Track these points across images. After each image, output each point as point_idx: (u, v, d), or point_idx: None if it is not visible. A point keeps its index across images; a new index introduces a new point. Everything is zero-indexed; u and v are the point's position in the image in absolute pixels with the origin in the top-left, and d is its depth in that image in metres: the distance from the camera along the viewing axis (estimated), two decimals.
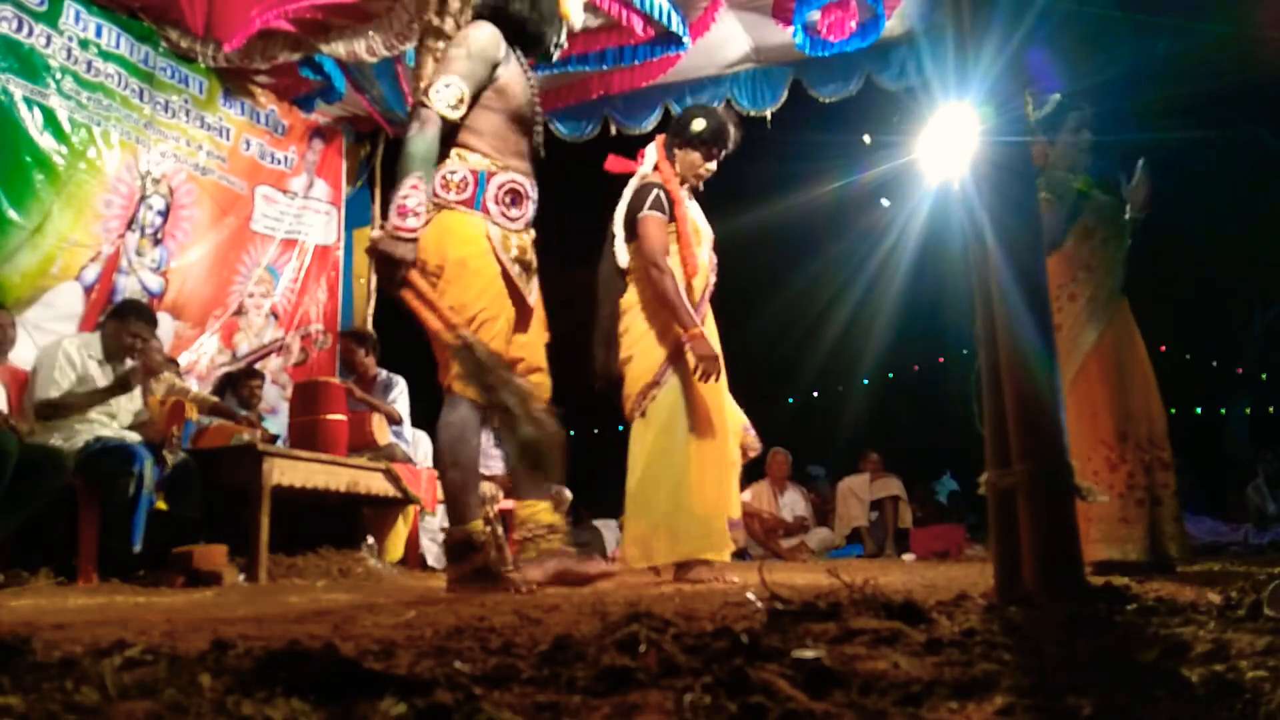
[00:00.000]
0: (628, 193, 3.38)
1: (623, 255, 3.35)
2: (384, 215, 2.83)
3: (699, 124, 3.38)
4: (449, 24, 4.18)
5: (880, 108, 5.76)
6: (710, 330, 3.34)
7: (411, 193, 2.57)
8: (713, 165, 3.43)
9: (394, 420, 5.32)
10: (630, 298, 3.34)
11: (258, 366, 5.85)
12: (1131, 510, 3.15)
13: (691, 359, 3.17)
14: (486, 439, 6.14)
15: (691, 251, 3.26)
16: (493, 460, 6.06)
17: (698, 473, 3.15)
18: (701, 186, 3.51)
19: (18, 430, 3.49)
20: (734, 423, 3.47)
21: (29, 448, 3.43)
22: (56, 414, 3.68)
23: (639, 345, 3.26)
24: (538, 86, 2.92)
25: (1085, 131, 3.49)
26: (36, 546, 3.61)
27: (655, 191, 3.30)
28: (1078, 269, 3.35)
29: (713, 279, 3.46)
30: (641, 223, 3.26)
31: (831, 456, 9.65)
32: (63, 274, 4.77)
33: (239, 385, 5.33)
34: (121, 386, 3.86)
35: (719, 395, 3.27)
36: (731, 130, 3.44)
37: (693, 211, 3.40)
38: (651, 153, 3.44)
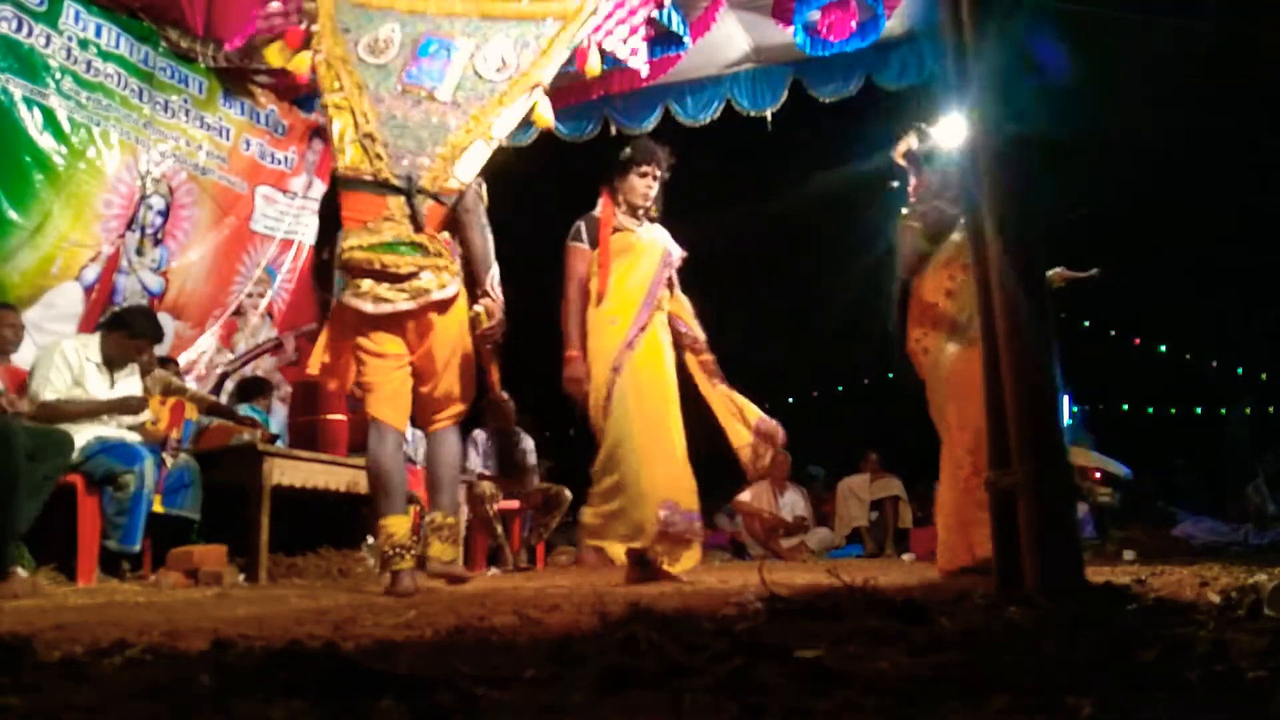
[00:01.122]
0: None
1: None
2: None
3: (624, 152, 3.61)
4: None
5: (880, 108, 5.76)
6: (653, 339, 3.53)
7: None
8: (651, 182, 3.58)
9: None
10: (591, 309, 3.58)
11: (250, 367, 5.85)
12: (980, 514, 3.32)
13: (655, 337, 3.49)
14: (486, 440, 6.15)
15: (606, 275, 3.49)
16: (493, 460, 6.07)
17: (646, 470, 3.34)
18: (655, 211, 3.69)
19: (20, 413, 3.48)
20: (747, 416, 3.68)
21: (33, 431, 3.42)
22: (54, 418, 3.67)
23: (594, 365, 3.47)
24: None
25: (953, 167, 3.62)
26: (36, 546, 3.61)
27: (579, 225, 3.57)
28: (940, 294, 3.49)
29: (662, 293, 3.62)
30: (565, 252, 3.58)
31: (831, 457, 9.65)
32: (63, 274, 4.77)
33: (247, 396, 5.30)
34: (122, 407, 3.84)
35: (658, 400, 3.47)
36: (655, 146, 3.63)
37: (642, 236, 3.59)
38: (602, 200, 3.65)
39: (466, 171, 3.07)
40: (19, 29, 4.62)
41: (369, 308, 2.92)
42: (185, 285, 5.53)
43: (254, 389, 5.39)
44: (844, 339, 11.06)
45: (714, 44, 5.53)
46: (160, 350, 4.84)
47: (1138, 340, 12.31)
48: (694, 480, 3.49)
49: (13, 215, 4.53)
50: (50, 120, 4.74)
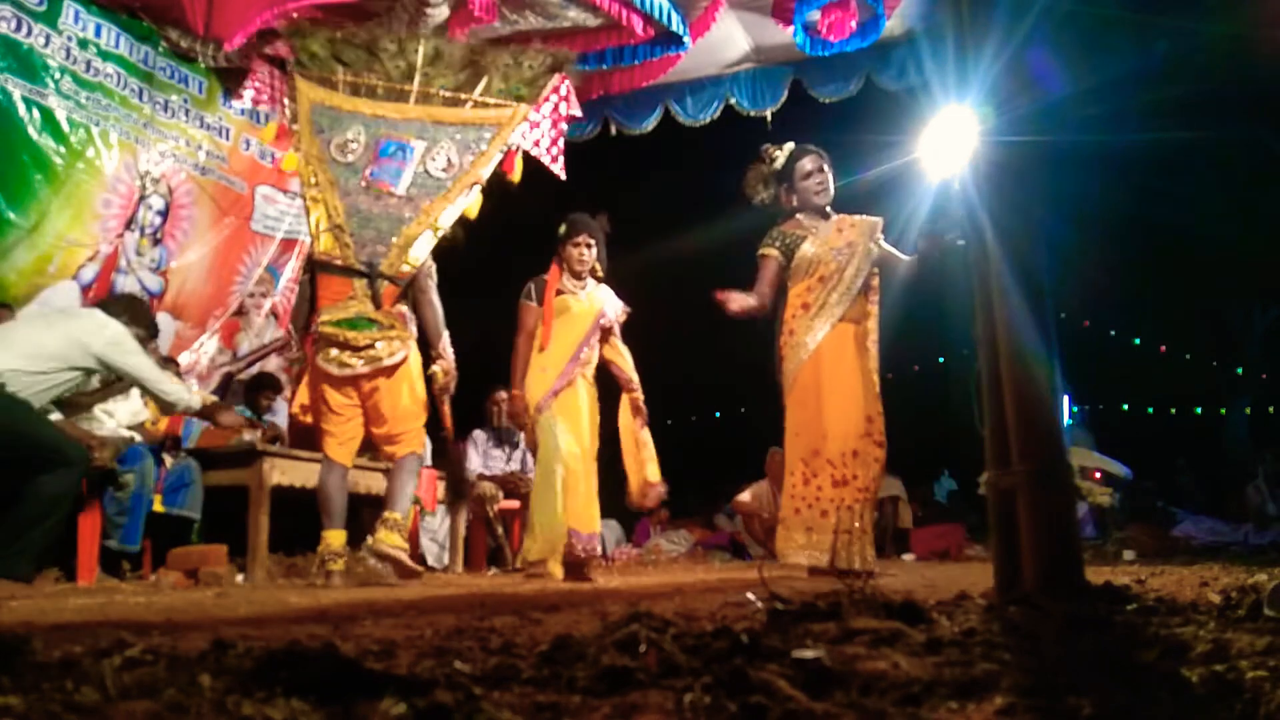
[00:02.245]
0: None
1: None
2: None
3: (561, 228, 4.20)
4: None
5: (880, 108, 5.76)
6: (573, 391, 4.10)
7: None
8: (585, 252, 4.16)
9: None
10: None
11: (258, 366, 5.85)
12: (816, 520, 3.51)
13: (576, 391, 4.10)
14: (487, 441, 6.15)
15: (548, 329, 4.09)
16: (493, 460, 6.07)
17: (551, 492, 3.91)
18: (600, 270, 4.27)
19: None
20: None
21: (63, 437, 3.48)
22: (60, 410, 3.69)
23: (530, 384, 4.09)
24: None
25: (819, 174, 3.78)
26: None
27: (530, 286, 4.17)
28: (798, 307, 3.70)
29: (588, 351, 4.17)
30: (518, 308, 4.17)
31: None
32: (60, 273, 4.77)
33: (254, 394, 5.31)
34: (114, 384, 3.86)
35: (573, 440, 4.04)
36: (587, 220, 4.22)
37: (581, 299, 4.17)
38: (553, 265, 4.23)
39: (417, 256, 3.69)
40: (18, 29, 4.62)
41: (334, 370, 3.57)
42: (185, 285, 5.53)
43: (260, 386, 5.40)
44: None
45: (714, 44, 5.53)
46: (160, 350, 4.84)
47: (1138, 340, 12.32)
48: (596, 507, 4.16)
49: (9, 214, 4.53)
50: (49, 120, 4.74)
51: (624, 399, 4.35)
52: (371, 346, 3.57)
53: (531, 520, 3.94)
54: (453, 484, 5.52)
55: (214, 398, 4.93)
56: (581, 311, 4.16)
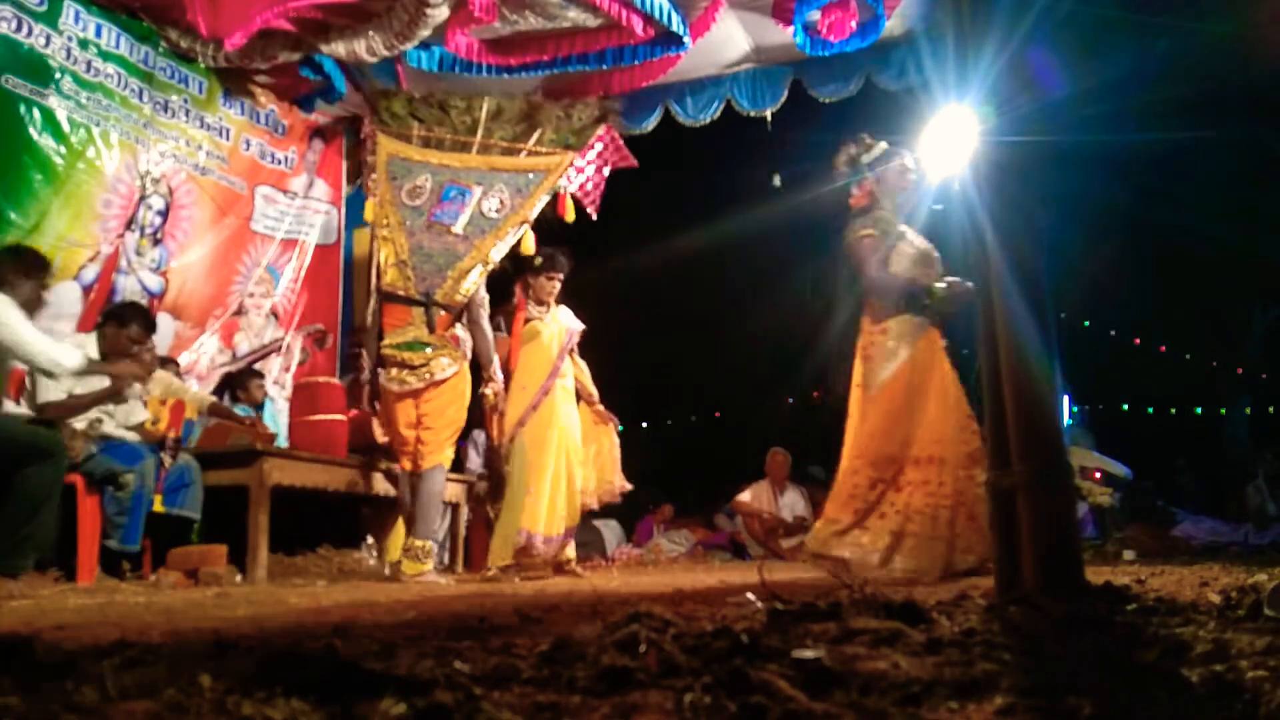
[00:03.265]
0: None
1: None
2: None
3: (537, 260, 4.55)
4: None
5: (880, 108, 5.75)
6: (552, 402, 4.53)
7: None
8: (556, 285, 4.65)
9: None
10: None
11: (257, 367, 5.84)
12: (876, 522, 3.46)
13: (553, 402, 4.56)
14: (486, 440, 6.15)
15: (516, 354, 4.55)
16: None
17: (525, 498, 4.38)
18: (553, 301, 4.69)
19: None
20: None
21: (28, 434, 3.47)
22: (60, 416, 3.69)
23: (506, 421, 4.53)
24: None
25: (910, 173, 3.77)
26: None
27: (497, 319, 4.54)
28: (890, 304, 3.63)
29: (561, 367, 4.60)
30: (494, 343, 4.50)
31: (832, 457, 9.63)
32: (61, 273, 4.76)
33: (238, 386, 5.32)
34: (112, 396, 3.85)
35: (548, 450, 4.48)
36: (564, 259, 4.65)
37: (548, 323, 4.62)
38: (517, 291, 4.67)
39: (469, 287, 4.23)
40: (19, 29, 4.62)
41: (395, 388, 4.13)
42: (185, 285, 5.53)
43: (233, 382, 5.40)
44: (845, 339, 11.06)
45: (714, 44, 5.52)
46: (160, 350, 4.83)
47: (1138, 340, 12.31)
48: (564, 510, 4.52)
49: (10, 214, 4.52)
50: (50, 120, 4.74)
51: (585, 411, 4.85)
52: (426, 365, 4.11)
53: (496, 531, 4.45)
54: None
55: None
56: (550, 335, 4.62)
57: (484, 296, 4.29)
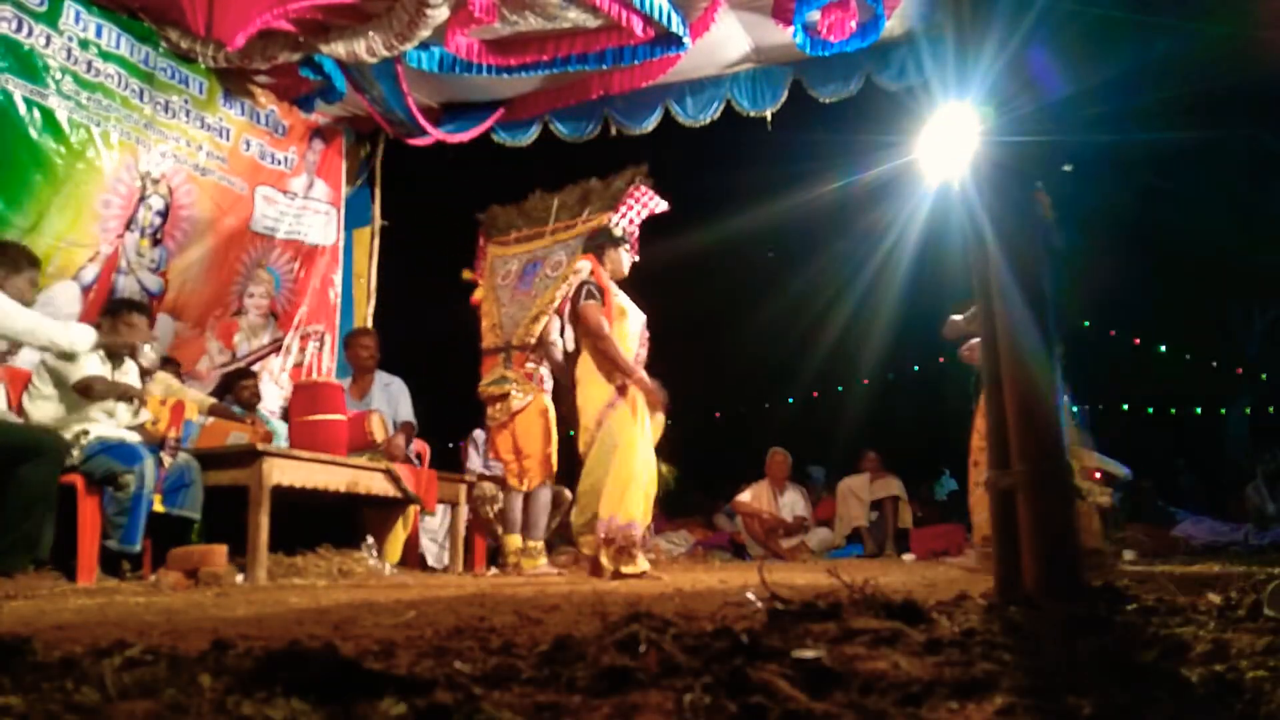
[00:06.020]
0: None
1: (570, 342, 4.87)
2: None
3: (615, 232, 4.70)
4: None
5: (880, 108, 5.75)
6: (635, 393, 4.35)
7: None
8: (631, 255, 4.69)
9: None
10: (582, 366, 4.39)
11: (256, 367, 5.85)
12: None
13: (637, 396, 4.28)
14: (487, 441, 6.15)
15: (617, 325, 4.38)
16: (495, 462, 6.06)
17: (627, 486, 4.14)
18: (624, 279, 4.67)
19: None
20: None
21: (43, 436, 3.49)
22: (90, 393, 3.73)
23: (588, 394, 4.33)
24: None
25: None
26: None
27: (586, 287, 4.41)
28: None
29: (642, 352, 4.51)
30: (583, 310, 4.36)
31: (831, 457, 9.64)
32: (59, 273, 4.76)
33: (234, 388, 5.32)
34: (123, 396, 3.88)
35: (640, 427, 4.27)
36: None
37: (620, 299, 4.49)
38: (585, 264, 4.59)
39: (536, 329, 5.04)
40: (19, 29, 4.62)
41: (491, 422, 5.05)
42: (185, 285, 5.53)
43: (233, 383, 5.40)
44: (844, 339, 11.07)
45: (714, 44, 5.53)
46: (160, 350, 4.83)
47: (1138, 340, 12.31)
48: (641, 500, 4.23)
49: (9, 214, 4.52)
50: (50, 120, 4.74)
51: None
52: (505, 397, 4.98)
53: (580, 519, 4.28)
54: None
55: (213, 399, 4.95)
56: (633, 314, 4.52)
57: (554, 336, 5.04)
